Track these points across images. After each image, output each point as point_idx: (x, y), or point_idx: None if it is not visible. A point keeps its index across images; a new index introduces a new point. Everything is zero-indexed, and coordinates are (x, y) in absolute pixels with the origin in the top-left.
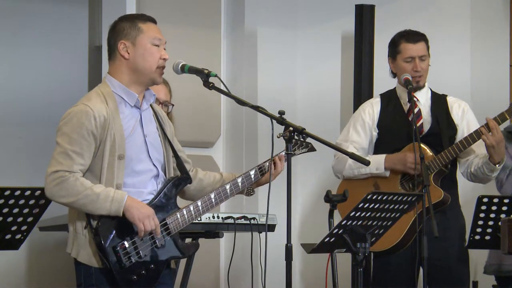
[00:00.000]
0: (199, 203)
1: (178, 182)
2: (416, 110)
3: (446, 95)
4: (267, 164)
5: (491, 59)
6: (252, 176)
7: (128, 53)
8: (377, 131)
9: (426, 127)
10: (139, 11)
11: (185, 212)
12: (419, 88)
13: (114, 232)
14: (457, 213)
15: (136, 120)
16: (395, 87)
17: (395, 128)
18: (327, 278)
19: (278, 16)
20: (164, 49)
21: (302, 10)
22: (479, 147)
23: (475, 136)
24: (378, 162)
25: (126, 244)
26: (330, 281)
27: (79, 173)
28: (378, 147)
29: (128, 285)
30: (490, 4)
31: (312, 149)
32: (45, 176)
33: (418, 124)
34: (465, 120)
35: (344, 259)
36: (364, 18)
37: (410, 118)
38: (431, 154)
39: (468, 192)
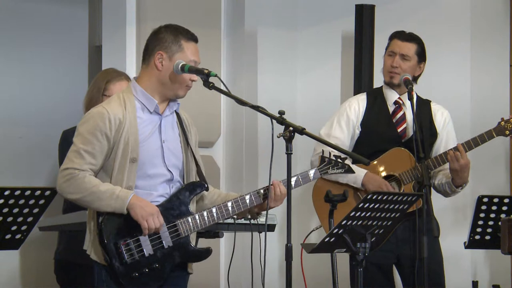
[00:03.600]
0: (214, 210)
1: (193, 187)
2: (400, 113)
3: (430, 101)
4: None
5: (491, 59)
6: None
7: (162, 65)
8: (360, 129)
9: (410, 132)
10: (139, 11)
11: (197, 217)
12: (392, 84)
13: (118, 229)
14: (431, 217)
15: (155, 125)
16: (381, 86)
17: (378, 130)
18: (305, 277)
19: (278, 16)
20: None
21: (302, 10)
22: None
23: (444, 157)
24: (356, 177)
25: (129, 241)
26: (324, 281)
27: (89, 171)
28: (358, 146)
29: (130, 282)
30: (490, 4)
31: (349, 170)
32: (58, 173)
33: (401, 129)
34: (446, 130)
35: (344, 259)
36: (364, 18)
37: (394, 121)
38: (413, 163)
39: (467, 192)
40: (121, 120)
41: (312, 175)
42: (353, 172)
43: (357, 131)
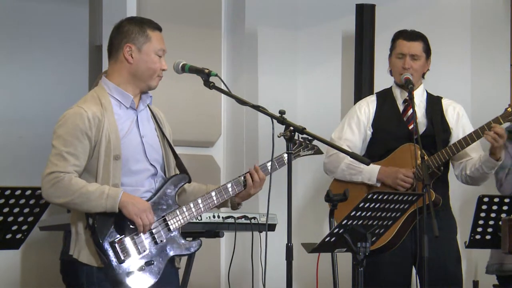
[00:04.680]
0: (199, 201)
1: (176, 180)
2: (411, 111)
3: (442, 97)
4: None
5: (492, 59)
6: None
7: (132, 58)
8: (371, 130)
9: (421, 129)
10: (139, 11)
11: (185, 210)
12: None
13: (111, 228)
14: (448, 214)
15: (132, 121)
16: (391, 86)
17: (389, 129)
18: (318, 279)
19: (278, 16)
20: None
21: (302, 10)
22: (473, 151)
23: (475, 136)
24: (371, 173)
25: (124, 239)
26: (324, 281)
27: (74, 173)
28: (371, 147)
29: (127, 280)
30: (490, 4)
31: (318, 151)
32: (41, 178)
33: (412, 126)
34: (461, 124)
35: (344, 259)
36: (365, 17)
37: (405, 119)
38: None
39: (468, 192)
40: (99, 118)
41: (286, 158)
42: (321, 153)
43: (369, 132)
